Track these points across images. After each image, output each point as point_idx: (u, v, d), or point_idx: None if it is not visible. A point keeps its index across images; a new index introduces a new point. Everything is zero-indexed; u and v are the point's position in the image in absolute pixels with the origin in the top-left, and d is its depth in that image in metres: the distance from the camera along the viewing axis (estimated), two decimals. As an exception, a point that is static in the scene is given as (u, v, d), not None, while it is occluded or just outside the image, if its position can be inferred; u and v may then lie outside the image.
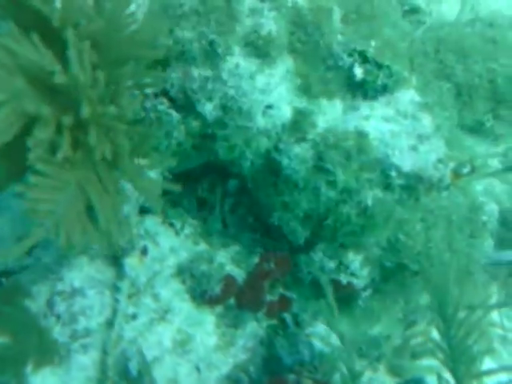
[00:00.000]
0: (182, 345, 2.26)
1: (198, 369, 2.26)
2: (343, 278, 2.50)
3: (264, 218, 2.57)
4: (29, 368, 1.97)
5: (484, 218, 2.51)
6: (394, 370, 2.49)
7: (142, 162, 2.21)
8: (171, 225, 2.56)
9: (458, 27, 2.77)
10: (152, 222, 2.49)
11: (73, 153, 1.87)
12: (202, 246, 2.53)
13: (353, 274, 2.49)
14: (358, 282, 2.50)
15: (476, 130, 2.69)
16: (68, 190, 1.84)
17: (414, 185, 2.20)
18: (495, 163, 2.68)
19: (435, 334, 2.65)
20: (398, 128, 2.19)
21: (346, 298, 2.61)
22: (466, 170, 2.23)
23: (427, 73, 2.55)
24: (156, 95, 2.21)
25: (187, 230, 2.55)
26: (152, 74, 2.03)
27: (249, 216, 2.61)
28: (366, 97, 2.29)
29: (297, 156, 2.15)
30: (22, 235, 2.28)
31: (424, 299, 2.67)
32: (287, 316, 2.51)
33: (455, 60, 2.62)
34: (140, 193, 2.15)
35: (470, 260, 2.59)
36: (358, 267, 2.47)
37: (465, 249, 2.56)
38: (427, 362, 2.56)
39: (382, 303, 2.64)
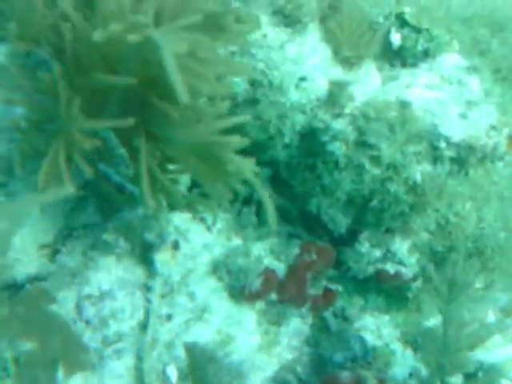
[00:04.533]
0: (223, 346, 2.08)
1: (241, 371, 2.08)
2: (390, 268, 2.32)
3: (300, 207, 2.40)
4: (60, 374, 1.81)
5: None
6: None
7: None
8: (202, 220, 2.39)
9: (490, -1, 2.60)
10: (181, 219, 2.32)
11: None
12: (236, 241, 2.36)
13: (401, 263, 2.31)
14: (407, 271, 2.32)
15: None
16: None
17: (465, 156, 2.01)
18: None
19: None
20: (444, 95, 2.01)
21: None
22: (523, 136, 2.04)
23: (466, 40, 2.39)
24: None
25: (219, 225, 2.38)
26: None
27: (284, 207, 2.44)
28: (404, 65, 2.12)
29: (336, 132, 1.98)
30: (45, 244, 2.15)
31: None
32: (334, 311, 2.32)
33: (489, 34, 2.45)
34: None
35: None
36: (405, 254, 2.28)
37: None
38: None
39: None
